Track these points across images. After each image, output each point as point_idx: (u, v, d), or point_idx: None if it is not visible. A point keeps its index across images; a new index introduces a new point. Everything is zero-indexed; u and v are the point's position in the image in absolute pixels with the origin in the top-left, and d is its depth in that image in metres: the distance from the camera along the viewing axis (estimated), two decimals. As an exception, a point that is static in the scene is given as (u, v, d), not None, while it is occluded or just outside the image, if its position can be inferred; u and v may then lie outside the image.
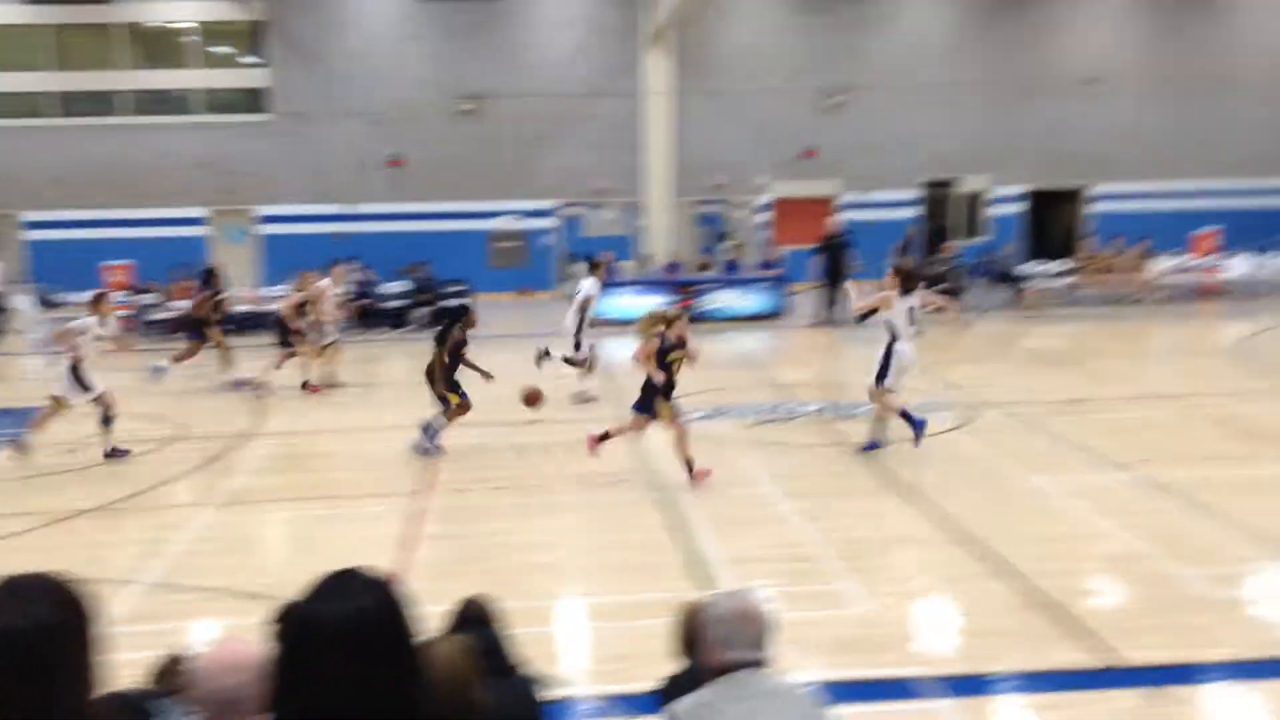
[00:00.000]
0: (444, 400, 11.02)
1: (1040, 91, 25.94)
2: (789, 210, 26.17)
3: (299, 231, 24.88)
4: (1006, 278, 22.29)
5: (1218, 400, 12.93)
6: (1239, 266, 22.91)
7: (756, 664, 3.00)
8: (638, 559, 8.10)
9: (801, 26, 25.85)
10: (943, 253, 22.36)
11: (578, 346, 13.73)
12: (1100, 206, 26.55)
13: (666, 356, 9.70)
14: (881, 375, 10.72)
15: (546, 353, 13.87)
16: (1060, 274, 22.73)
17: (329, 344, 15.20)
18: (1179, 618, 6.80)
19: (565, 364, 13.86)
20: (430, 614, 2.64)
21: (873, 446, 10.86)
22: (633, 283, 22.23)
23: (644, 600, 6.93)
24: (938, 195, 26.62)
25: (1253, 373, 14.99)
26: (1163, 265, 22.75)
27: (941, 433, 11.69)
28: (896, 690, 5.97)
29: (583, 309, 13.74)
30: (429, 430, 11.03)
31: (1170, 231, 23.93)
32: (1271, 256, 22.90)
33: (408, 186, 25.61)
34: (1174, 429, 11.79)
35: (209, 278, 16.11)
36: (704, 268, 23.73)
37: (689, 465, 9.79)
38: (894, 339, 10.68)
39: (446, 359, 11.00)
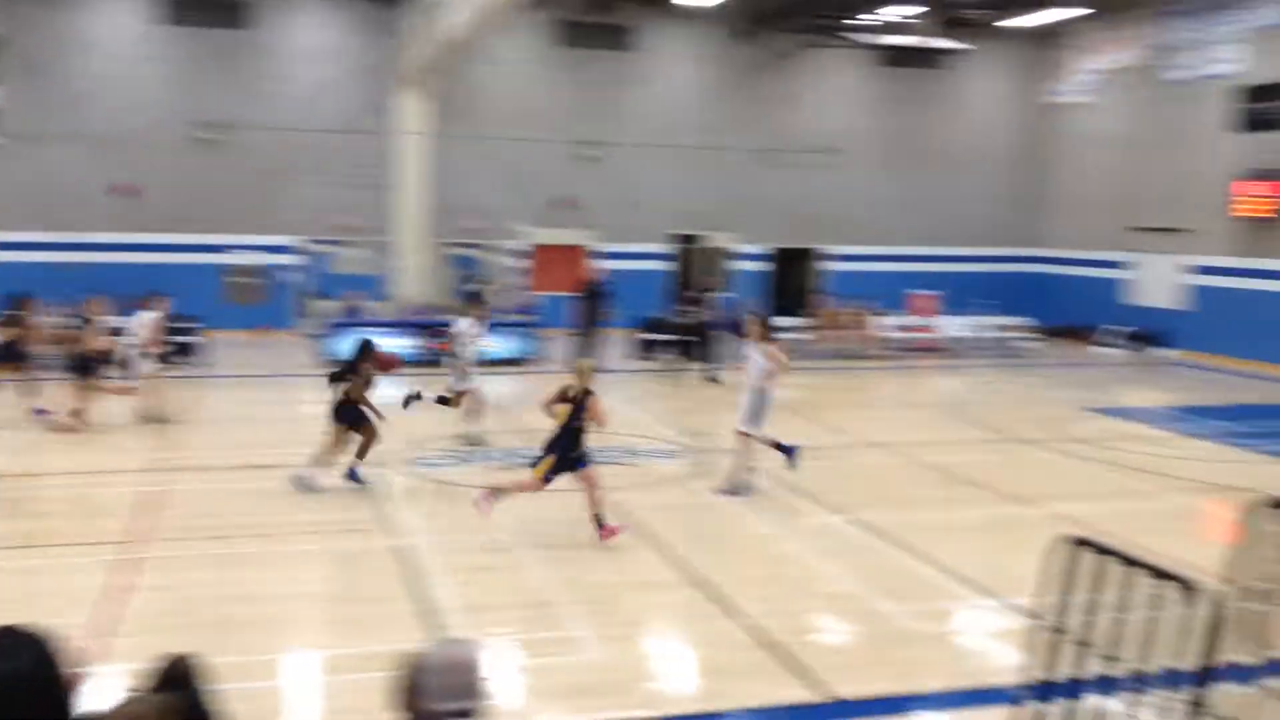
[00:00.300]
0: (360, 433, 11.16)
1: (783, 156, 27.41)
2: (544, 257, 26.41)
3: (22, 259, 22.97)
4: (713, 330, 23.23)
5: (929, 449, 13.92)
6: (952, 327, 24.85)
7: (467, 714, 2.96)
8: (369, 610, 7.87)
9: (560, 80, 26.31)
10: (691, 304, 23.10)
11: (461, 381, 13.63)
12: (834, 266, 28.21)
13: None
14: (752, 418, 11.26)
15: (417, 395, 13.13)
16: (797, 328, 23.92)
17: (146, 376, 14.49)
18: (891, 652, 7.23)
19: (438, 403, 13.39)
20: (133, 671, 2.46)
21: (740, 489, 11.24)
22: (382, 323, 21.75)
23: (371, 652, 6.72)
24: (687, 249, 27.56)
25: (961, 424, 16.23)
26: (885, 323, 24.36)
27: (678, 479, 12.02)
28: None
29: (461, 348, 13.66)
30: (353, 473, 11.20)
31: (895, 292, 25.71)
32: (980, 318, 24.96)
33: (141, 216, 24.16)
34: (890, 476, 12.59)
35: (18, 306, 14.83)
36: (456, 311, 23.50)
37: (600, 521, 9.45)
38: (766, 386, 11.22)
39: (361, 394, 11.14)
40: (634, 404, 17.46)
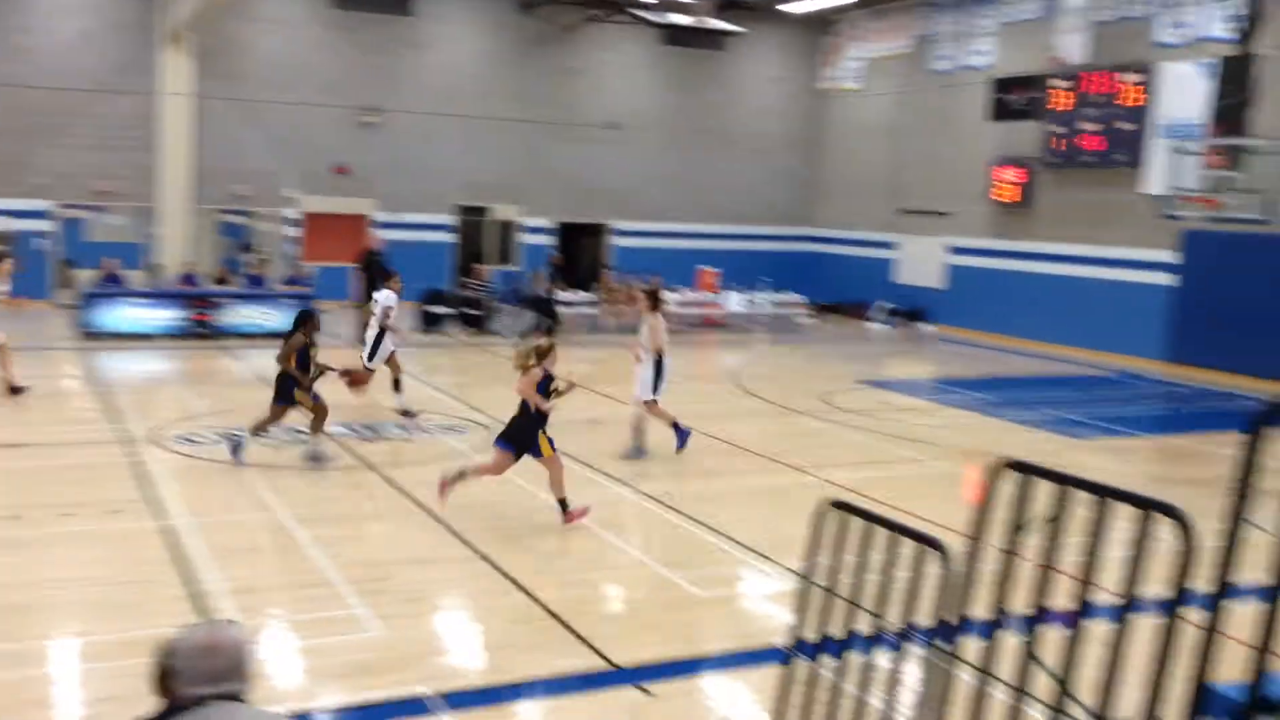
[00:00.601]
0: (305, 405, 10.85)
1: (569, 131, 27.40)
2: (319, 226, 25.47)
3: None
4: (538, 304, 23.18)
5: (712, 421, 14.24)
6: (734, 303, 25.56)
7: (226, 697, 2.80)
8: (135, 594, 7.41)
9: (334, 42, 25.36)
10: (474, 276, 22.84)
11: (371, 358, 13.81)
12: (621, 242, 28.49)
13: (547, 388, 9.25)
14: (654, 388, 11.90)
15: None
16: (585, 303, 24.04)
17: None
18: (675, 617, 7.37)
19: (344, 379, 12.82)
20: None
21: (637, 453, 11.82)
22: (142, 294, 20.50)
23: (135, 638, 6.32)
24: (471, 222, 27.19)
25: (742, 396, 16.72)
26: (672, 299, 24.80)
27: (463, 454, 11.86)
28: (411, 709, 5.91)
29: (383, 320, 13.82)
30: (314, 455, 10.88)
31: (679, 268, 26.21)
32: (760, 294, 25.77)
33: None
34: (673, 447, 12.79)
35: None
36: (223, 280, 22.42)
37: (564, 504, 9.16)
38: (661, 354, 11.92)
39: (294, 364, 10.77)
40: (417, 378, 17.11)
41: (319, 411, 10.98)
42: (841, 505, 2.88)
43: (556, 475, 9.25)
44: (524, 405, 9.35)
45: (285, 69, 24.90)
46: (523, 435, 9.30)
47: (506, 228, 27.54)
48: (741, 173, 29.36)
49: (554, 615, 7.24)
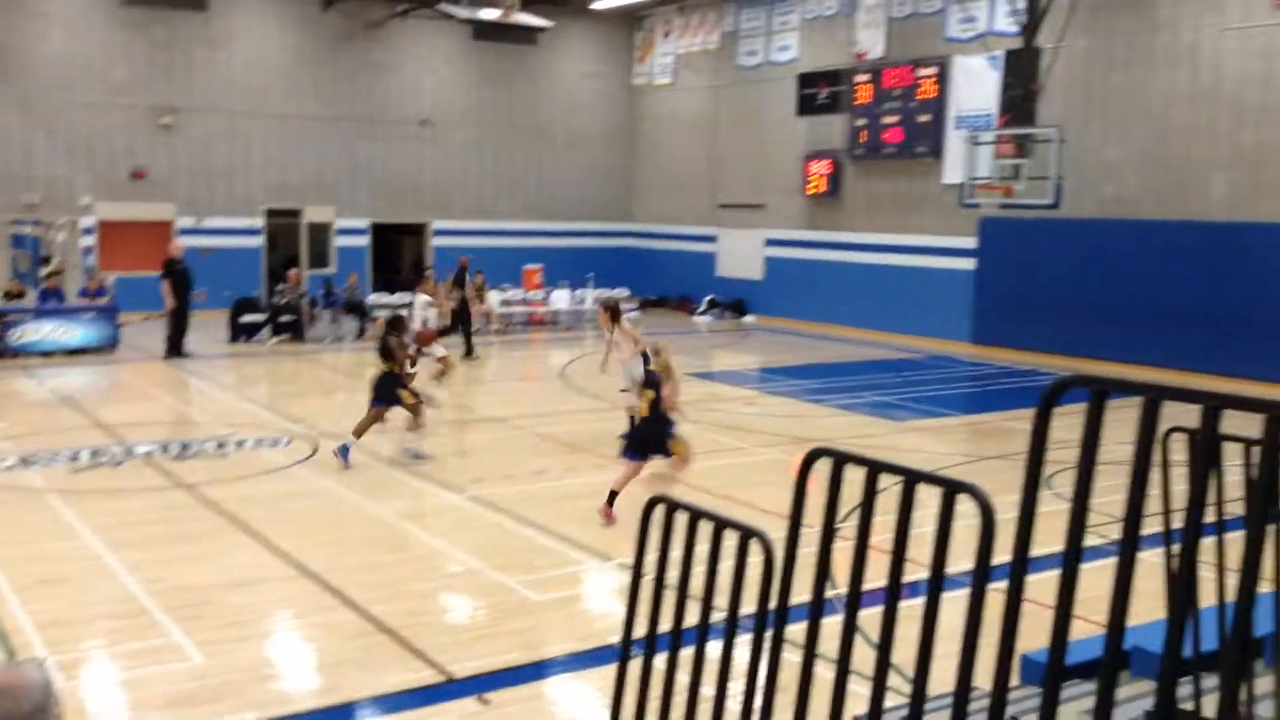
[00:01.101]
0: (407, 405, 11.54)
1: (380, 129, 26.84)
2: (118, 234, 24.17)
3: None
4: (353, 308, 22.63)
5: (542, 420, 14.23)
6: (560, 300, 25.59)
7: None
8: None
9: (123, 40, 24.09)
10: (287, 282, 22.11)
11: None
12: (442, 241, 28.10)
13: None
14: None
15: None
16: (403, 305, 23.57)
17: None
18: (514, 623, 7.31)
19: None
20: None
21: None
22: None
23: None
24: (282, 225, 26.31)
25: (571, 394, 16.75)
26: (498, 298, 24.65)
27: (284, 468, 11.49)
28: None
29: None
30: (416, 454, 11.65)
31: (504, 266, 26.07)
32: (585, 291, 25.88)
33: None
34: (506, 449, 12.73)
35: None
36: (15, 295, 21.02)
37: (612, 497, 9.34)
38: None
39: (399, 367, 11.58)
40: (232, 391, 16.48)
41: (420, 410, 11.67)
42: (663, 500, 2.91)
43: (680, 463, 9.62)
44: (654, 412, 9.49)
45: (72, 68, 23.53)
46: (649, 443, 9.49)
47: (320, 230, 26.75)
48: (560, 169, 29.41)
49: (387, 629, 7.08)
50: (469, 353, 19.67)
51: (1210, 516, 3.49)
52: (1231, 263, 17.75)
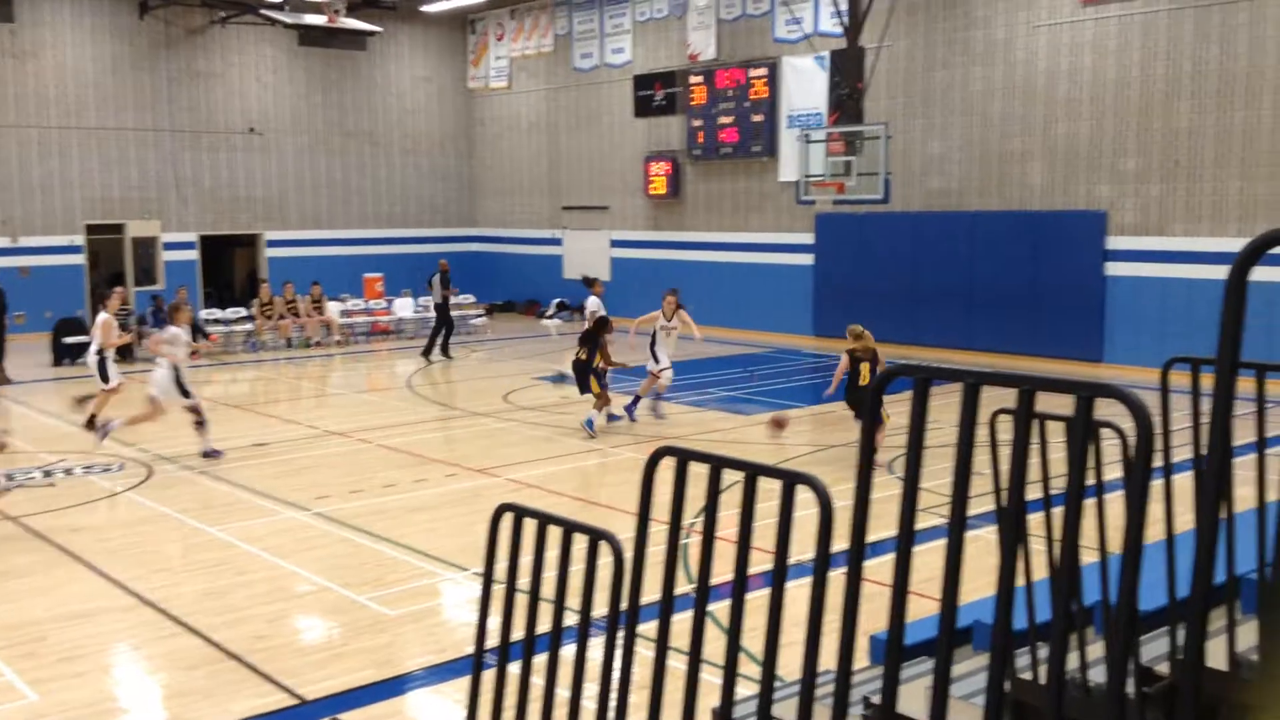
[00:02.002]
0: (595, 392, 13.74)
1: (205, 138, 25.89)
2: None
3: None
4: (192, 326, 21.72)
5: (390, 432, 13.97)
6: (403, 308, 25.17)
7: None
8: None
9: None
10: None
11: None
12: (276, 253, 27.26)
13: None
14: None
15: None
16: (240, 319, 22.83)
17: None
18: (369, 640, 7.15)
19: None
20: None
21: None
22: None
23: None
24: (105, 241, 25.09)
25: (419, 404, 16.49)
26: (339, 308, 24.09)
27: (117, 494, 10.98)
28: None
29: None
30: (590, 421, 13.72)
31: (343, 277, 25.48)
32: (429, 298, 25.50)
33: None
34: (354, 463, 12.45)
35: None
36: None
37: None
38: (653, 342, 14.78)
39: (600, 357, 13.82)
40: (56, 417, 15.63)
41: (606, 399, 13.88)
42: (511, 507, 2.90)
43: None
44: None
45: None
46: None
47: (145, 245, 25.61)
48: (397, 175, 28.93)
49: (233, 656, 6.84)
50: (428, 352, 20.72)
51: (1038, 493, 3.67)
52: (1049, 249, 18.74)
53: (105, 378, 13.82)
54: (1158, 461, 3.28)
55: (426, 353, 20.83)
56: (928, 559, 3.64)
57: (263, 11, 24.16)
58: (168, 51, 25.43)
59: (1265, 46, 16.20)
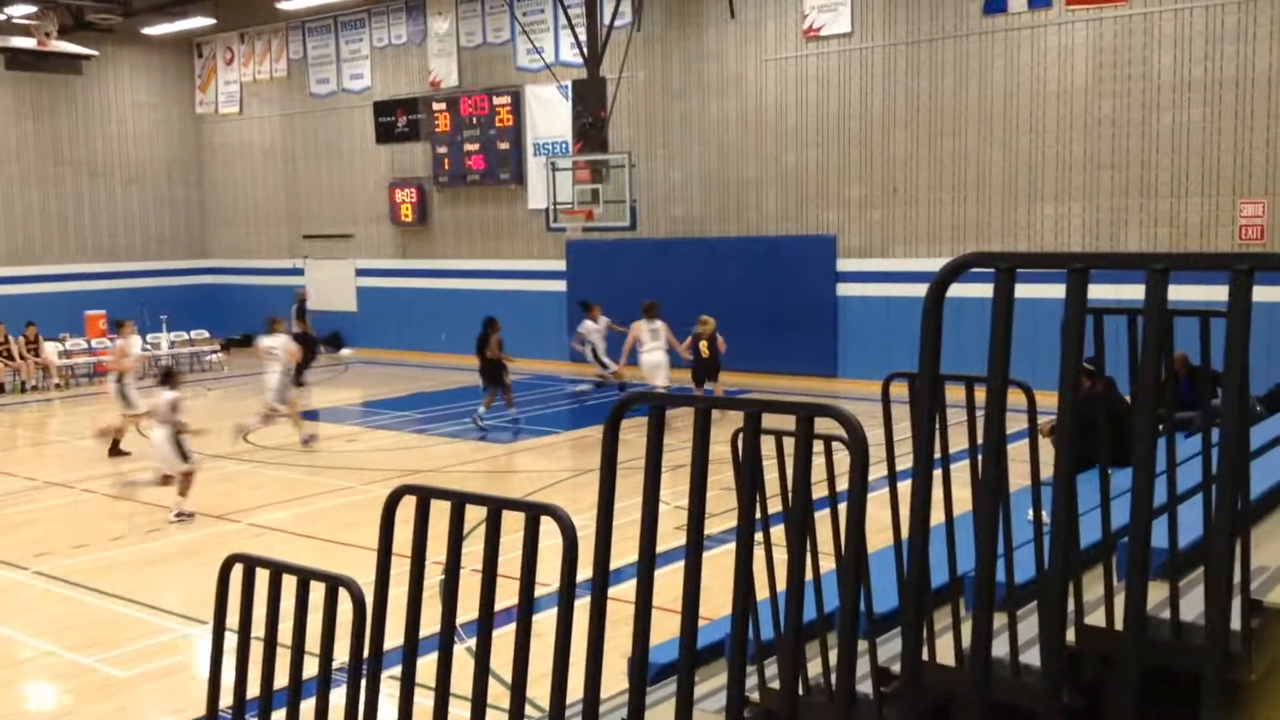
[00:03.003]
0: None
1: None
2: None
3: None
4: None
5: (116, 480, 13.02)
6: (132, 346, 23.51)
7: None
8: None
9: None
10: None
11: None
12: (-18, 292, 25.00)
13: None
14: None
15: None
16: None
17: None
18: (100, 705, 6.63)
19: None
20: None
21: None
22: None
23: None
24: None
25: (146, 449, 15.43)
26: (57, 348, 22.32)
27: None
28: None
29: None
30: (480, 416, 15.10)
31: (61, 315, 23.62)
32: (159, 335, 24.03)
33: None
34: (78, 516, 11.54)
35: None
36: None
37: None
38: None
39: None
40: None
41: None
42: (241, 558, 2.76)
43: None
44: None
45: None
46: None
47: None
48: (119, 205, 27.15)
49: (-61, 738, 6.18)
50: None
51: (775, 507, 3.82)
52: (785, 272, 19.68)
53: None
54: (881, 472, 3.49)
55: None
56: (680, 578, 3.71)
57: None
58: None
59: (968, 81, 17.67)
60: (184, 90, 28.30)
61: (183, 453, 11.16)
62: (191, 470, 11.25)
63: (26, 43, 21.21)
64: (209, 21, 25.12)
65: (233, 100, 27.77)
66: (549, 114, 22.19)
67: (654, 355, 16.62)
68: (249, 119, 27.60)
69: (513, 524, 2.32)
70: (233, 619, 2.94)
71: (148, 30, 25.79)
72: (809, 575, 2.97)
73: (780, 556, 3.81)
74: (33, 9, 21.27)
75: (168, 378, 11.66)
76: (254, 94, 27.38)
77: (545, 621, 2.43)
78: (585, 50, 19.75)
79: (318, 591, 2.69)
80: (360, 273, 26.07)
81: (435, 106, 23.55)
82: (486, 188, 23.43)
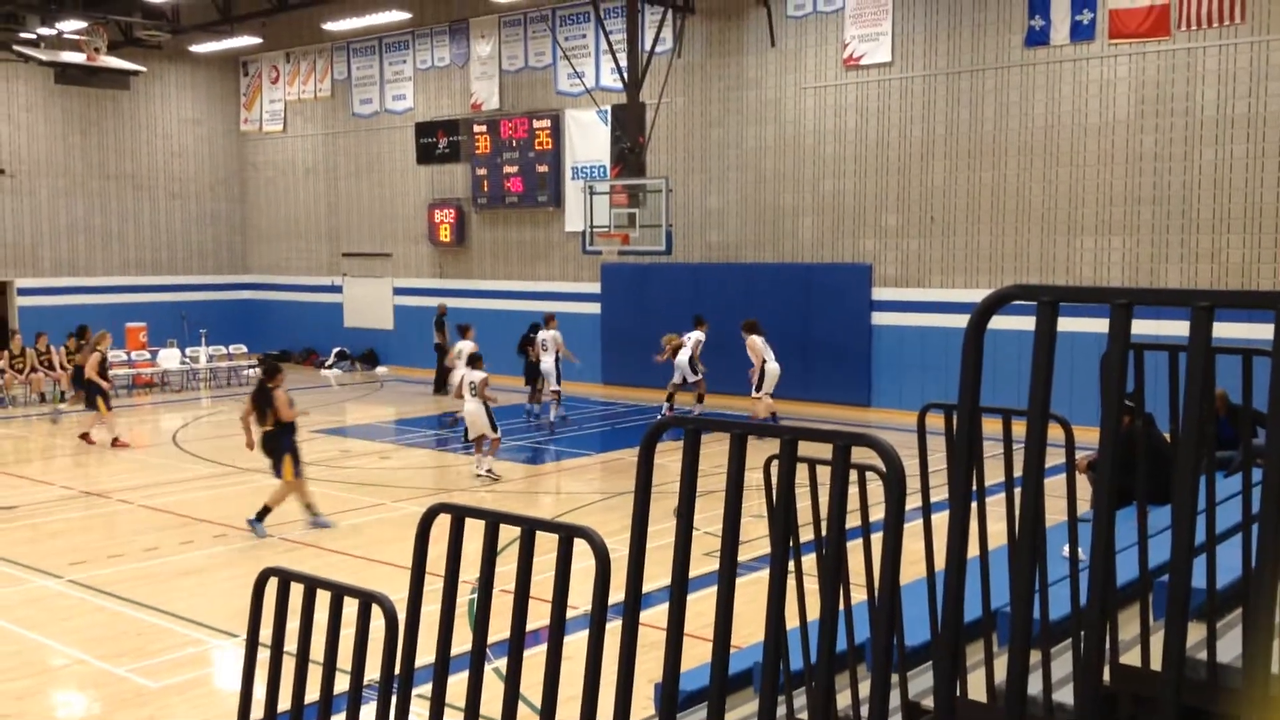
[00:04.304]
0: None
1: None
2: None
3: None
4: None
5: (154, 492, 13.17)
6: (168, 359, 23.85)
7: None
8: None
9: None
10: None
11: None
12: (27, 301, 25.40)
13: None
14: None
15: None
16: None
17: None
18: (131, 714, 6.67)
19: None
20: None
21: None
22: None
23: None
24: None
25: (186, 461, 15.62)
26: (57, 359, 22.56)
27: None
28: None
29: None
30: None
31: (103, 326, 23.89)
32: (200, 349, 24.30)
33: None
34: (112, 527, 11.67)
35: None
36: None
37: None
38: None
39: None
40: None
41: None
42: (276, 571, 2.78)
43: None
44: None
45: None
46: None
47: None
48: (162, 219, 27.55)
49: (-29, 742, 6.25)
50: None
51: (805, 535, 3.80)
52: (820, 300, 19.63)
53: None
54: (915, 503, 3.46)
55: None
56: (707, 604, 3.70)
57: (15, 48, 22.63)
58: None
59: (1009, 111, 17.61)
60: (229, 107, 28.73)
61: (493, 423, 13.52)
62: (499, 438, 13.79)
63: (76, 57, 21.60)
64: (255, 41, 25.52)
65: (277, 118, 28.14)
66: (588, 138, 22.32)
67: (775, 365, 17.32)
68: (292, 137, 27.96)
69: (544, 545, 2.32)
70: (265, 633, 2.96)
71: (195, 48, 26.22)
72: (840, 606, 2.96)
73: (810, 586, 3.79)
74: (83, 24, 21.67)
75: (473, 361, 14.32)
76: (298, 113, 27.74)
77: (574, 644, 2.43)
78: (625, 76, 19.87)
79: (350, 607, 2.70)
80: (398, 291, 26.26)
81: (476, 128, 23.75)
82: (524, 210, 23.57)
